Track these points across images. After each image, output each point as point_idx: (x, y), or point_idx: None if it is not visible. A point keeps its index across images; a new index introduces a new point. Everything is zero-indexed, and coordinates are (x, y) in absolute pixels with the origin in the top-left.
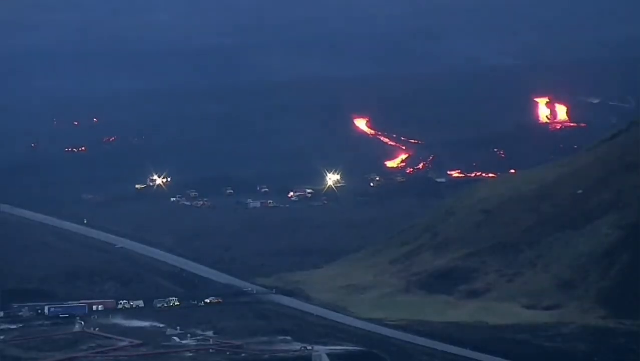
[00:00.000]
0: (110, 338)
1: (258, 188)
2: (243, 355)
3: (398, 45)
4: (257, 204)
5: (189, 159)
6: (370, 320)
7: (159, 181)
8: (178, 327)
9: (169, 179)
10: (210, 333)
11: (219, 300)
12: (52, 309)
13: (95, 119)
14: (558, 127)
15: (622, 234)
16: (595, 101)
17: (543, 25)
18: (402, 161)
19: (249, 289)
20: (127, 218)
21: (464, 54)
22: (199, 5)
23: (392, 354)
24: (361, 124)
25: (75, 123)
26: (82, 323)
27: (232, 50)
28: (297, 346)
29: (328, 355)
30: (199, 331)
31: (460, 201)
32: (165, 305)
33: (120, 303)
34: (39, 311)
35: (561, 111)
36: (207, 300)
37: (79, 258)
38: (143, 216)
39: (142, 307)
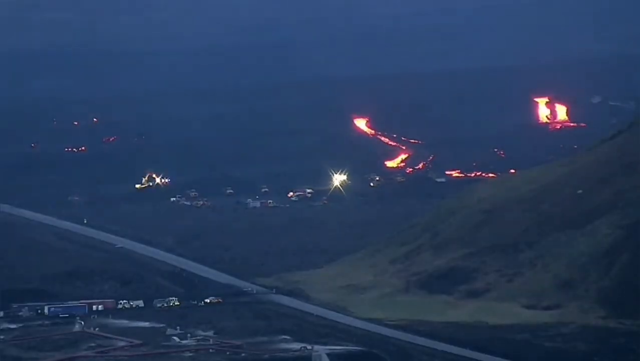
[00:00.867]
0: (110, 338)
1: (258, 189)
2: (243, 355)
3: (398, 45)
4: (257, 204)
5: (189, 159)
6: (370, 320)
7: (159, 181)
8: (178, 327)
9: (168, 179)
10: (210, 333)
11: (219, 300)
12: (52, 309)
13: (95, 119)
14: (558, 127)
15: (622, 234)
16: (596, 101)
17: (543, 26)
18: (402, 161)
19: (249, 289)
20: (127, 218)
21: (463, 54)
22: (199, 5)
23: (392, 354)
24: (361, 124)
25: (75, 123)
26: (82, 323)
27: (232, 50)
28: (297, 346)
29: (328, 355)
30: (199, 331)
31: (460, 201)
32: (165, 304)
33: (120, 303)
34: (39, 311)
35: (561, 111)
36: (207, 300)
37: (79, 258)
38: (143, 216)
39: (142, 307)
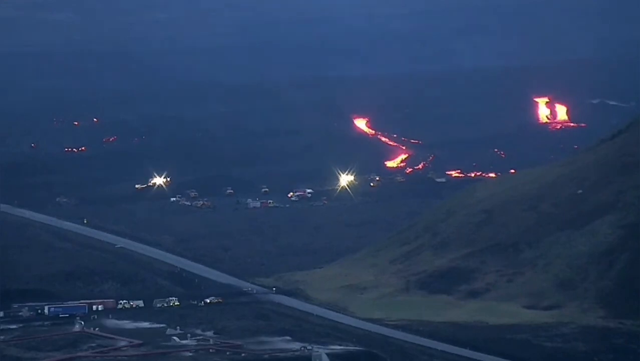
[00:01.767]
0: (110, 338)
1: (258, 189)
2: (243, 355)
3: (398, 45)
4: (257, 204)
5: (189, 159)
6: (370, 320)
7: (159, 181)
8: (178, 327)
9: (169, 179)
10: (210, 333)
11: (219, 300)
12: (52, 309)
13: (95, 119)
14: (558, 127)
15: (622, 234)
16: (596, 102)
17: (543, 26)
18: (402, 161)
19: (249, 289)
20: (127, 218)
21: (463, 54)
22: (199, 5)
23: (392, 354)
24: (361, 124)
25: (75, 123)
26: (82, 323)
27: (232, 50)
28: (297, 346)
29: (328, 355)
30: (199, 331)
31: (460, 201)
32: (165, 304)
33: (120, 303)
34: (39, 311)
35: (561, 111)
36: (207, 300)
37: (79, 258)
38: (143, 216)
39: (142, 307)
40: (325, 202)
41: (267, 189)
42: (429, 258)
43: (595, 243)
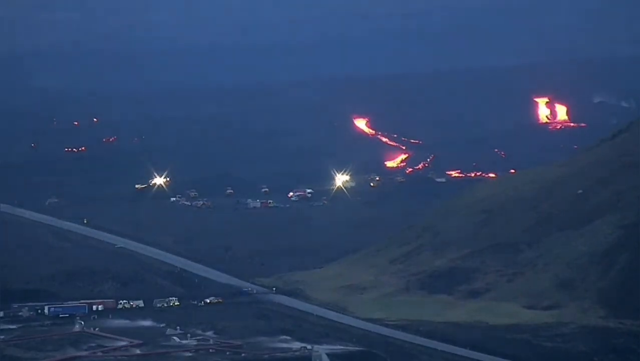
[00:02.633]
0: (110, 338)
1: (258, 189)
2: (243, 355)
3: (398, 45)
4: (257, 204)
5: (189, 159)
6: (370, 320)
7: (159, 181)
8: (178, 327)
9: (169, 179)
10: (210, 333)
11: (219, 300)
12: (52, 309)
13: (95, 119)
14: (558, 127)
15: (622, 234)
16: (597, 101)
17: (543, 26)
18: (402, 161)
19: (249, 289)
20: (127, 218)
21: (463, 54)
22: (198, 5)
23: (392, 354)
24: (361, 124)
25: (75, 123)
26: (82, 323)
27: (232, 50)
28: (297, 346)
29: (328, 355)
30: (199, 331)
31: (460, 201)
32: (165, 304)
33: (120, 303)
34: (39, 311)
35: (561, 111)
36: (207, 300)
37: (79, 258)
38: (143, 216)
39: (142, 307)
40: (325, 202)
41: (267, 189)
42: (429, 258)
43: (595, 243)
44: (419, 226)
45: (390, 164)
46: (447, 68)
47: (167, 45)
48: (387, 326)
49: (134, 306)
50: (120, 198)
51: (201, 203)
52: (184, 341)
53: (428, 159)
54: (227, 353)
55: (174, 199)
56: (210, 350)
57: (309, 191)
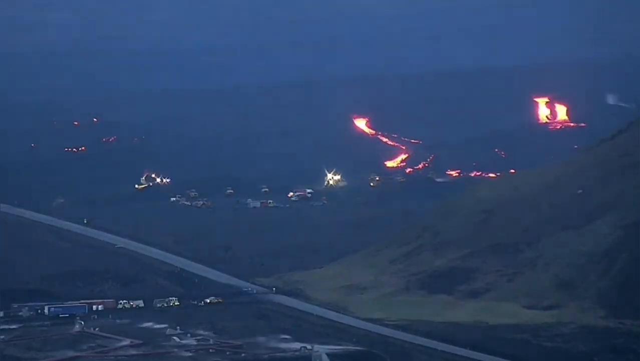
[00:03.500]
0: (110, 338)
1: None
2: (243, 355)
3: (398, 45)
4: (257, 204)
5: (189, 159)
6: (370, 320)
7: (159, 181)
8: (178, 327)
9: (169, 179)
10: (210, 333)
11: (219, 300)
12: (52, 309)
13: (95, 119)
14: (558, 127)
15: (622, 234)
16: (596, 101)
17: (543, 26)
18: (402, 161)
19: (249, 289)
20: (127, 218)
21: (463, 54)
22: (198, 5)
23: (392, 354)
24: (361, 124)
25: (75, 123)
26: (82, 323)
27: (232, 50)
28: (297, 346)
29: (328, 355)
30: (199, 331)
31: (460, 201)
32: (165, 304)
33: (120, 303)
34: (39, 311)
35: (561, 111)
36: (207, 300)
37: (79, 258)
38: (143, 216)
39: (142, 307)
40: (325, 202)
41: (267, 189)
42: (429, 258)
43: (595, 243)
44: (419, 226)
45: (390, 164)
46: (447, 68)
47: (167, 45)
48: (387, 326)
49: (134, 306)
50: (120, 198)
51: (201, 203)
52: (184, 341)
53: (428, 159)
54: (227, 353)
55: (174, 199)
56: (210, 350)
57: (309, 191)
